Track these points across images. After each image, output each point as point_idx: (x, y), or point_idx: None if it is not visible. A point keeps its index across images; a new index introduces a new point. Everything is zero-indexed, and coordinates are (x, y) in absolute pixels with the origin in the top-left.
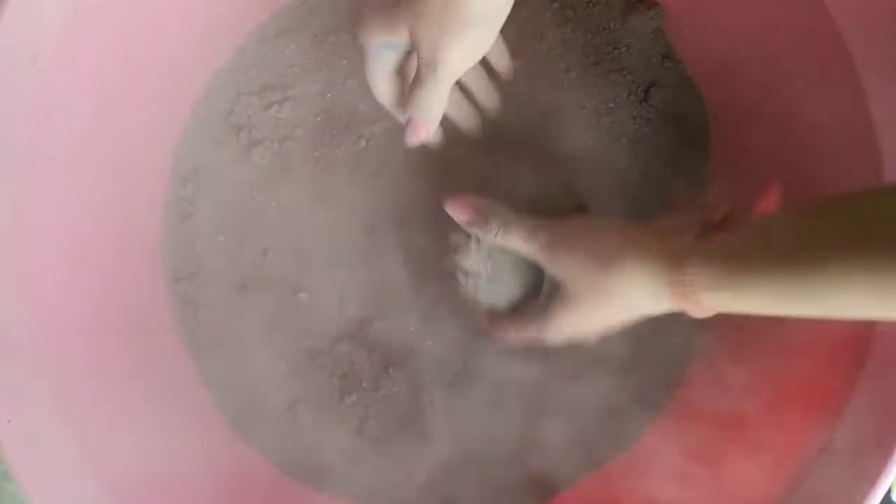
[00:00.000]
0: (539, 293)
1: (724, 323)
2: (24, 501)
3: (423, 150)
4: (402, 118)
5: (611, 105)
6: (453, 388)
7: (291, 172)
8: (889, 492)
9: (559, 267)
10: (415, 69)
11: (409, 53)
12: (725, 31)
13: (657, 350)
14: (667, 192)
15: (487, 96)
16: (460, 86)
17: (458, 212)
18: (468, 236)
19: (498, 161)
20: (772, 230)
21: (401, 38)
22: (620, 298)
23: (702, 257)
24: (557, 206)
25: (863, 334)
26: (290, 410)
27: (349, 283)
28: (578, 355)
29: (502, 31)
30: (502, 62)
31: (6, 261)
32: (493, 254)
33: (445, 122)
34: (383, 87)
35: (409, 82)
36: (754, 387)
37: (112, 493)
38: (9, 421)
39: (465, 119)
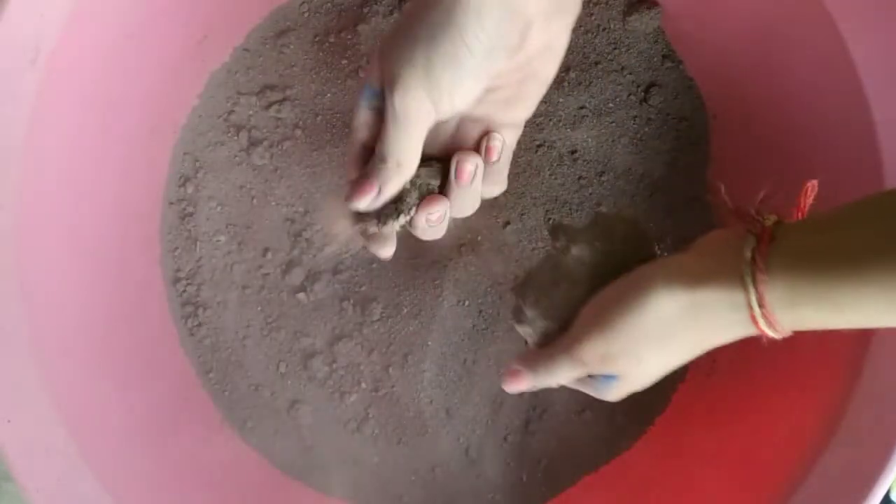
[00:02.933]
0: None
1: None
2: (24, 501)
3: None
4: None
5: (611, 105)
6: (453, 388)
7: (291, 172)
8: (889, 492)
9: (613, 368)
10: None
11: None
12: (725, 31)
13: None
14: (667, 191)
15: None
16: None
17: (518, 387)
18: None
19: None
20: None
21: (372, 77)
22: (687, 349)
23: (776, 267)
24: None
25: (862, 334)
26: (290, 410)
27: (349, 282)
28: None
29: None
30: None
31: (7, 261)
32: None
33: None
34: (352, 155)
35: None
36: (753, 387)
37: (112, 493)
38: (9, 421)
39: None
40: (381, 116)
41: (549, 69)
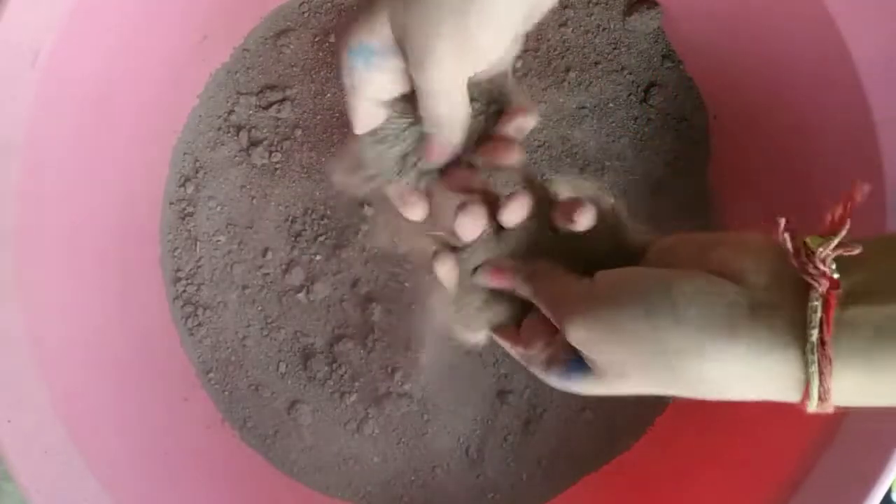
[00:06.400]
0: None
1: None
2: (24, 501)
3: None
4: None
5: (611, 105)
6: (453, 388)
7: (291, 172)
8: (889, 492)
9: (603, 355)
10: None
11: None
12: (725, 31)
13: None
14: (667, 191)
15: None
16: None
17: (497, 280)
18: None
19: None
20: None
21: (377, 37)
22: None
23: (846, 351)
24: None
25: None
26: (290, 410)
27: (349, 282)
28: None
29: None
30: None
31: (6, 261)
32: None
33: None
34: (359, 112)
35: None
36: None
37: (112, 492)
38: (9, 421)
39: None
40: (385, 73)
41: None
